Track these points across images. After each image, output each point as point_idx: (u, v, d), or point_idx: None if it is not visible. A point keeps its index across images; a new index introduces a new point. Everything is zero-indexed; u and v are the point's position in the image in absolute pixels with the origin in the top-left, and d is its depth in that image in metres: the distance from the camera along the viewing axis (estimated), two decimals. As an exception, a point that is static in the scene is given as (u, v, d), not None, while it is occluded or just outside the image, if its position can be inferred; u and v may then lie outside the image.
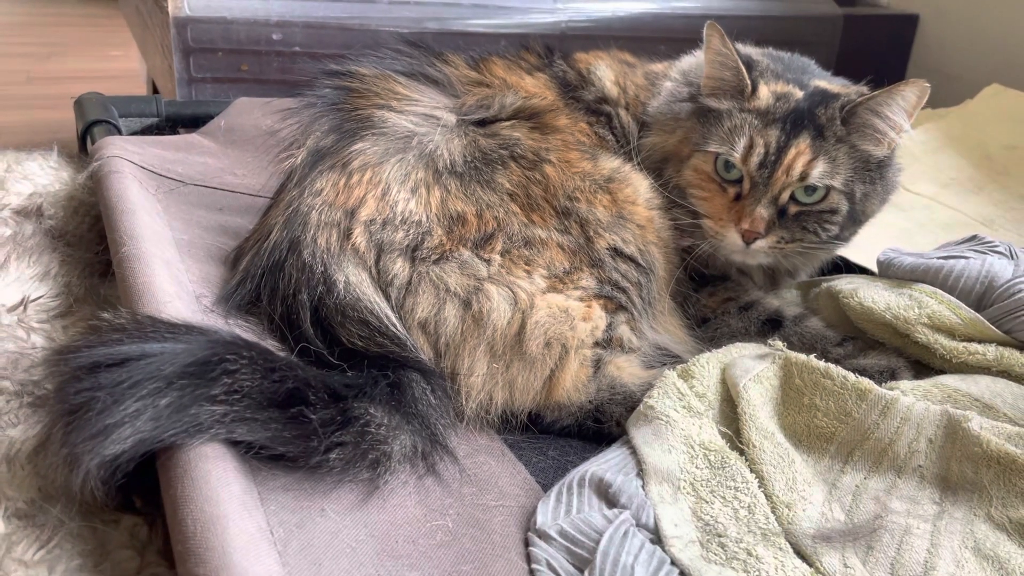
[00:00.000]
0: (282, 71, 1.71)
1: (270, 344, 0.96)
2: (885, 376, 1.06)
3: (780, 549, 0.80)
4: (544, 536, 0.79)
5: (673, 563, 0.77)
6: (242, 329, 0.97)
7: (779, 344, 1.05)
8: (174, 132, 1.60)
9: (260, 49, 1.69)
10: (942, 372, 1.08)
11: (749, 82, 1.14)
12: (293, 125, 1.12)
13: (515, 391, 0.99)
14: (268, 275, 0.99)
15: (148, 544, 0.71)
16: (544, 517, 0.82)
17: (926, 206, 1.61)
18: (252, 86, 1.70)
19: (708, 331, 1.19)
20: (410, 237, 1.00)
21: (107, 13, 4.01)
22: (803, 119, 1.12)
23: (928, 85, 1.09)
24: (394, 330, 0.97)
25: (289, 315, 0.96)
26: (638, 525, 0.79)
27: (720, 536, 0.80)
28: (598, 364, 1.03)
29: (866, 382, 0.97)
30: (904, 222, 1.55)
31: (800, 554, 0.81)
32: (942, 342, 1.07)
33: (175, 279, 0.96)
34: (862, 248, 1.30)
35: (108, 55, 3.57)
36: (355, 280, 0.97)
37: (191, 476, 0.64)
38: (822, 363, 0.99)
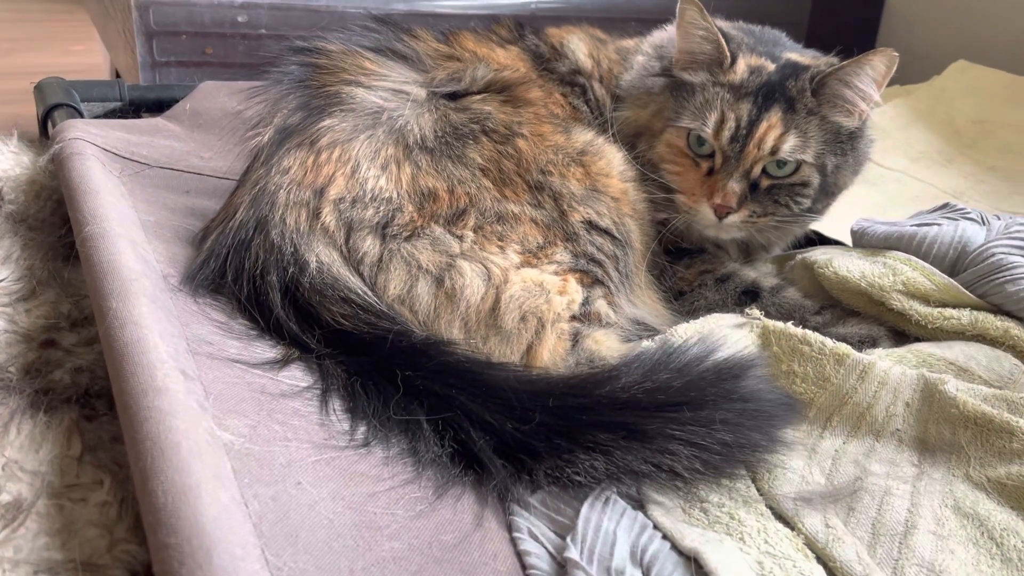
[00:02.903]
0: (248, 54, 1.68)
1: (240, 323, 0.94)
2: (866, 344, 1.06)
3: (761, 514, 0.80)
4: (525, 504, 0.78)
5: (656, 527, 0.76)
6: (212, 308, 0.95)
7: (756, 312, 1.04)
8: (138, 117, 1.56)
9: (225, 32, 1.66)
10: (918, 339, 1.08)
11: (729, 54, 1.13)
12: (259, 104, 1.10)
13: None
14: (233, 254, 0.97)
15: (118, 522, 0.69)
16: (524, 487, 0.81)
17: (897, 179, 1.62)
18: (217, 70, 1.67)
19: (685, 304, 1.18)
20: (380, 214, 0.99)
21: (69, 8, 3.93)
22: (774, 92, 1.12)
23: (896, 54, 1.09)
24: (380, 305, 0.95)
25: (258, 296, 0.94)
26: (621, 493, 0.78)
27: (703, 502, 0.80)
28: (576, 337, 1.02)
29: (843, 347, 0.97)
30: (876, 195, 1.56)
31: (782, 518, 0.81)
32: (917, 308, 1.07)
33: (141, 258, 0.93)
34: (835, 222, 1.30)
35: (70, 50, 3.50)
36: (326, 260, 0.96)
37: (160, 447, 0.62)
38: (800, 330, 0.99)
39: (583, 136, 1.15)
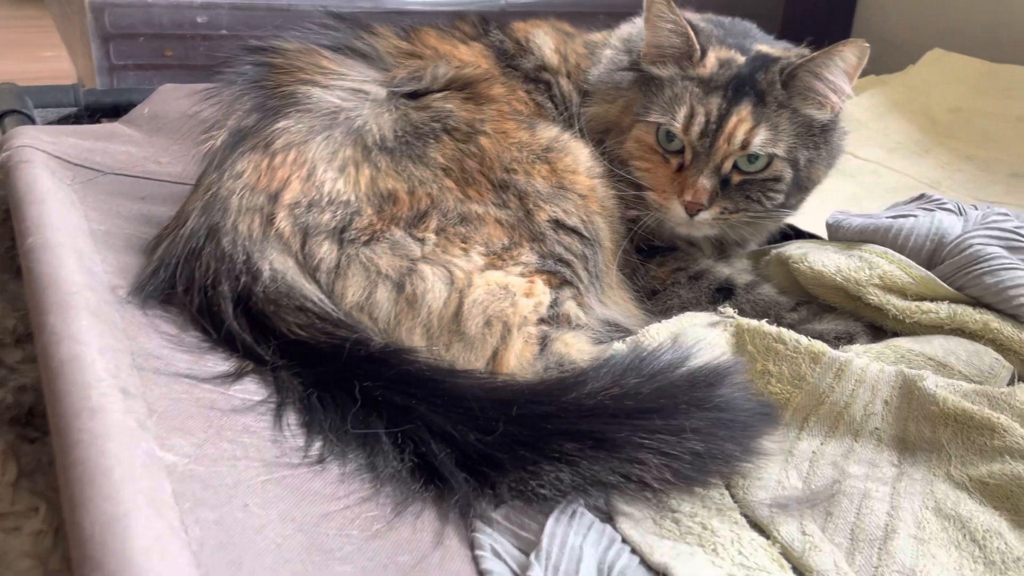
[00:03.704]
0: (209, 56, 1.63)
1: (191, 336, 0.90)
2: (843, 341, 1.03)
3: (735, 523, 0.76)
4: (488, 520, 0.75)
5: (624, 540, 0.73)
6: (162, 320, 0.91)
7: (730, 311, 1.01)
8: (96, 122, 1.52)
9: (184, 33, 1.61)
10: (896, 334, 1.05)
11: (699, 47, 1.10)
12: (213, 106, 1.06)
13: None
14: (184, 264, 0.93)
15: (52, 552, 0.65)
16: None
17: (873, 171, 1.60)
18: (178, 72, 1.62)
19: (658, 303, 1.15)
20: (338, 218, 0.95)
21: (39, 15, 3.87)
22: (744, 85, 1.09)
23: (867, 45, 1.06)
24: (337, 314, 0.91)
25: (209, 307, 0.90)
26: (588, 505, 0.75)
27: (674, 512, 0.76)
28: (544, 341, 0.99)
29: (819, 345, 0.94)
30: (852, 187, 1.53)
31: (756, 526, 0.78)
32: (894, 302, 1.04)
33: (86, 269, 0.89)
34: (811, 216, 1.27)
35: (40, 56, 3.44)
36: (281, 267, 0.92)
37: (91, 473, 0.58)
38: (774, 328, 0.96)
39: (548, 132, 1.12)
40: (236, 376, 0.85)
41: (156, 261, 0.96)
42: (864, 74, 1.10)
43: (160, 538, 0.55)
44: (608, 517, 0.76)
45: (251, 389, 0.84)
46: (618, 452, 0.74)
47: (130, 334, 0.85)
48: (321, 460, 0.77)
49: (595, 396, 0.78)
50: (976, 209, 1.15)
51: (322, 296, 0.92)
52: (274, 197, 0.95)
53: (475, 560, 0.71)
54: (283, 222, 0.94)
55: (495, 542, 0.72)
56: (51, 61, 3.33)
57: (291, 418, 0.81)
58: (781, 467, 0.86)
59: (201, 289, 0.92)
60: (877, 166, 1.61)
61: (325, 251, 0.94)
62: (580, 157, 1.11)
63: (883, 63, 2.00)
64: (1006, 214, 1.09)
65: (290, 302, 0.90)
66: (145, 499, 0.58)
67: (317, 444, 0.78)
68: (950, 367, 0.98)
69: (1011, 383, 0.97)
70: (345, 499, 0.73)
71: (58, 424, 0.65)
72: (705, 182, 1.08)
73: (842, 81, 1.09)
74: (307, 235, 0.94)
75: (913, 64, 2.03)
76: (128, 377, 0.75)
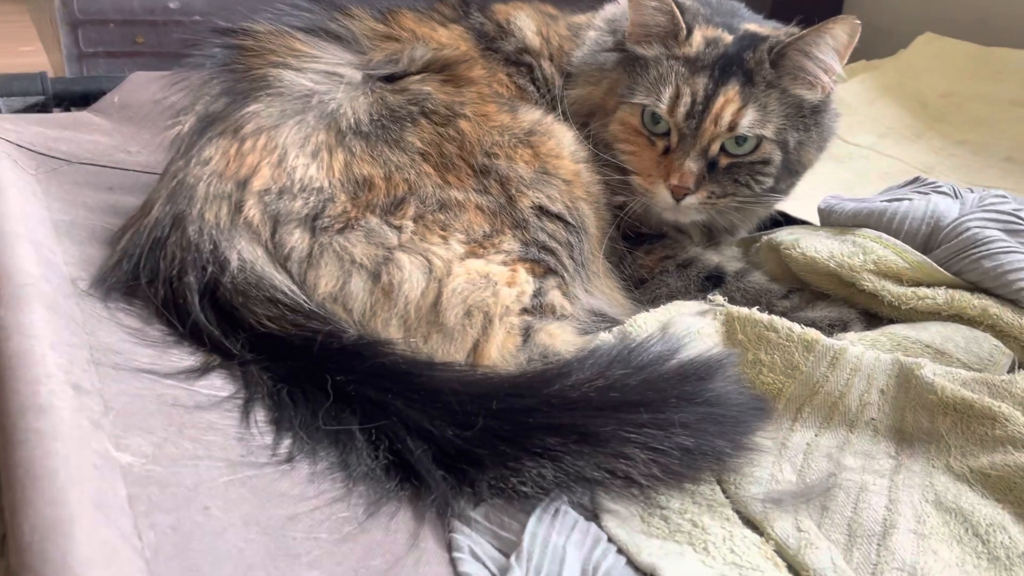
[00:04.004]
0: (182, 42, 1.57)
1: (156, 329, 0.85)
2: (836, 328, 0.99)
3: (727, 520, 0.73)
4: (467, 520, 0.71)
5: (610, 540, 0.69)
6: (125, 313, 0.86)
7: (720, 299, 0.98)
8: (65, 111, 1.47)
9: (156, 19, 1.56)
10: (891, 321, 1.02)
11: (684, 25, 1.06)
12: (181, 91, 1.01)
13: None
14: (148, 254, 0.88)
15: (-2, 561, 0.61)
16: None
17: (865, 156, 1.56)
18: (149, 59, 1.57)
19: (646, 292, 1.11)
20: (310, 206, 0.91)
21: (19, 10, 3.81)
22: (732, 65, 1.05)
23: (858, 22, 1.02)
24: (309, 305, 0.87)
25: (175, 299, 0.86)
26: (572, 503, 0.71)
27: (662, 508, 0.72)
28: (527, 332, 0.95)
29: (812, 333, 0.91)
30: (843, 173, 1.50)
31: (750, 523, 0.74)
32: (889, 288, 1.01)
33: (44, 260, 0.85)
34: (801, 202, 1.24)
35: (19, 51, 3.38)
36: (249, 257, 0.87)
37: (33, 476, 0.54)
38: (765, 316, 0.93)
39: (530, 115, 1.07)
40: (202, 371, 0.80)
41: (119, 252, 0.92)
42: (854, 59, 1.07)
43: (106, 545, 0.51)
44: (593, 515, 0.72)
45: (217, 384, 0.79)
46: (603, 447, 0.70)
47: (89, 328, 0.80)
48: (290, 459, 0.73)
49: (579, 388, 0.74)
50: (972, 192, 1.12)
51: (293, 287, 0.88)
52: (243, 184, 0.91)
53: (453, 562, 0.67)
54: (252, 210, 0.90)
55: (474, 543, 0.69)
56: (30, 55, 3.27)
57: (259, 415, 0.77)
58: (774, 460, 0.82)
59: (166, 280, 0.87)
60: (868, 151, 1.58)
61: (296, 240, 0.89)
62: (564, 141, 1.07)
63: (873, 47, 1.97)
64: (1004, 196, 1.06)
65: (259, 293, 0.86)
66: (92, 503, 0.54)
67: (286, 442, 0.74)
68: (948, 354, 0.94)
69: (1011, 370, 0.94)
70: (314, 500, 0.69)
71: (3, 422, 0.61)
72: (692, 165, 1.04)
73: (833, 60, 1.05)
74: (277, 223, 0.90)
75: (904, 48, 2.00)
76: (83, 373, 0.71)
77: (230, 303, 0.86)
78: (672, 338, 0.82)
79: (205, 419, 0.74)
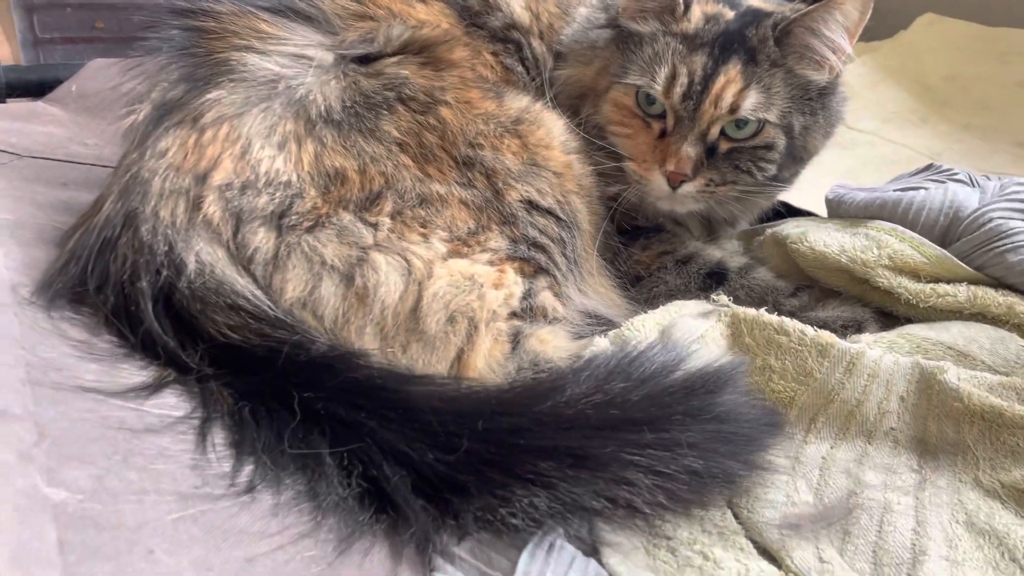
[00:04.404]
0: (145, 27, 1.48)
1: (105, 342, 0.77)
2: (850, 330, 0.92)
3: (741, 550, 0.65)
4: (450, 556, 0.63)
5: (612, 578, 0.61)
6: (70, 323, 0.78)
7: (724, 299, 0.90)
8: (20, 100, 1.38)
9: (117, 2, 1.46)
10: (908, 320, 0.95)
11: (682, 0, 0.99)
12: (136, 78, 0.93)
13: None
14: (97, 257, 0.80)
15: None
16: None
17: (869, 142, 1.50)
18: (110, 45, 1.48)
19: (643, 291, 1.04)
20: (276, 202, 0.83)
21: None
22: (733, 42, 0.97)
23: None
24: (275, 312, 0.79)
25: (126, 306, 0.78)
26: (568, 536, 0.63)
27: (669, 539, 0.65)
28: (517, 338, 0.87)
29: (827, 335, 0.83)
30: (848, 160, 1.43)
31: (766, 552, 0.67)
32: (906, 285, 0.94)
33: (-23, 267, 0.76)
34: (804, 192, 1.16)
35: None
36: (209, 259, 0.79)
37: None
38: (775, 317, 0.85)
39: (518, 102, 0.99)
40: (154, 388, 0.72)
41: (67, 254, 0.84)
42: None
43: (21, 611, 0.43)
44: (592, 549, 0.64)
45: (171, 403, 0.71)
46: (602, 472, 0.62)
47: (28, 342, 0.72)
48: (251, 489, 0.65)
49: (575, 405, 0.66)
50: (990, 180, 1.05)
51: (257, 292, 0.79)
52: (202, 178, 0.82)
53: (434, 607, 0.60)
54: (212, 207, 0.81)
55: (459, 584, 0.61)
56: None
57: (217, 437, 0.69)
58: (788, 477, 0.75)
59: (117, 286, 0.79)
60: (872, 137, 1.51)
61: (261, 239, 0.81)
62: (554, 130, 1.00)
63: (874, 29, 1.89)
64: (1027, 184, 0.98)
65: (220, 299, 0.78)
66: (10, 554, 0.46)
67: (247, 469, 0.66)
68: (972, 357, 0.87)
69: (1041, 374, 0.87)
70: (278, 537, 0.61)
71: (-89, 460, 0.52)
72: (689, 150, 0.96)
73: (842, 39, 0.98)
74: (240, 221, 0.82)
75: (904, 29, 1.93)
76: (14, 396, 0.63)
77: (187, 310, 0.78)
78: (676, 346, 0.74)
79: (155, 445, 0.66)
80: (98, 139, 1.19)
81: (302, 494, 0.65)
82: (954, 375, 0.80)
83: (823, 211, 1.11)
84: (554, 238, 0.94)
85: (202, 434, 0.69)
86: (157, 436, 0.67)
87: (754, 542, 0.67)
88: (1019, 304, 0.89)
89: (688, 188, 0.98)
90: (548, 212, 0.94)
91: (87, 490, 0.58)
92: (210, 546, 0.58)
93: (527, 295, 0.90)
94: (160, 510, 0.59)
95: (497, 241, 0.90)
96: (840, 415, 0.81)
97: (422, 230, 0.86)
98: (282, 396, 0.71)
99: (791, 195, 1.17)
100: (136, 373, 0.74)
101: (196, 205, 0.81)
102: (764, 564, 0.64)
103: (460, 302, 0.84)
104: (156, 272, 0.78)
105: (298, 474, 0.66)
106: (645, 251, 1.06)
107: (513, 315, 0.88)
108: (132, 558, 0.54)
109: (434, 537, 0.63)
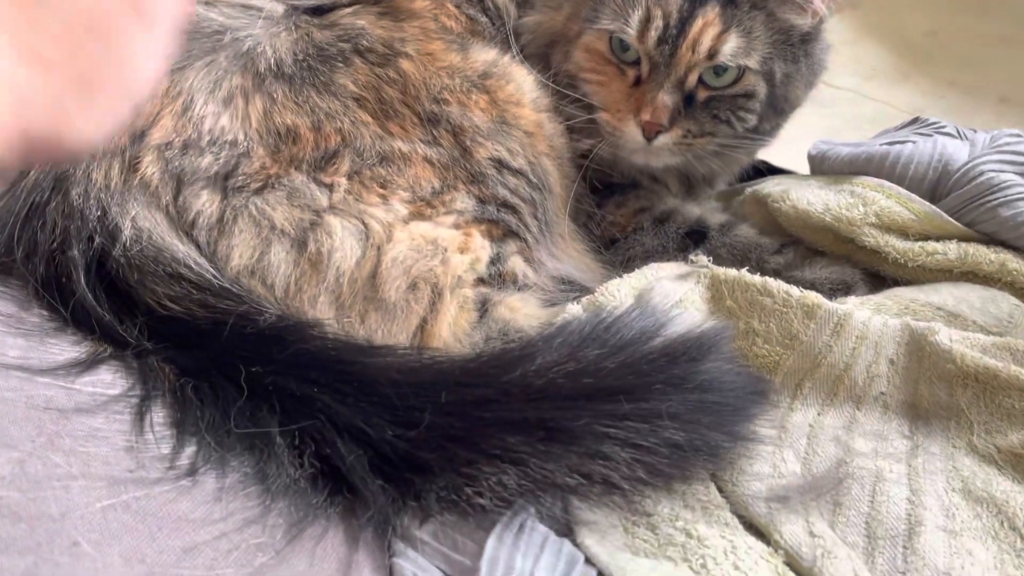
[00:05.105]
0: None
1: (34, 316, 0.71)
2: (839, 292, 0.87)
3: (727, 525, 0.61)
4: (412, 540, 0.58)
5: (588, 561, 0.56)
6: (-3, 297, 0.71)
7: (703, 259, 0.85)
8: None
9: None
10: (896, 281, 0.90)
11: None
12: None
13: None
14: (24, 224, 0.73)
15: None
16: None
17: (850, 100, 1.45)
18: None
19: (619, 253, 0.98)
20: (221, 162, 0.76)
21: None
22: None
23: (856, -62, 0.89)
24: (220, 281, 0.73)
25: (57, 277, 0.71)
26: (540, 515, 0.58)
27: (649, 516, 0.60)
28: (484, 306, 0.82)
29: (813, 296, 0.79)
30: (829, 119, 1.38)
31: (752, 527, 0.62)
32: (894, 244, 0.89)
33: None
34: (785, 151, 1.11)
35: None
36: (146, 224, 0.73)
37: None
38: (758, 278, 0.80)
39: (484, 55, 0.93)
40: (87, 365, 0.66)
41: (-9, 222, 0.77)
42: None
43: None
44: (567, 529, 0.59)
45: (106, 380, 0.65)
46: (576, 445, 0.57)
47: (-55, 317, 0.66)
48: (192, 472, 0.59)
49: (545, 374, 0.61)
50: (978, 133, 1.00)
51: (200, 259, 0.73)
52: (139, 137, 0.76)
53: (394, 596, 0.55)
54: (150, 168, 0.75)
55: (420, 570, 0.56)
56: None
57: (157, 416, 0.63)
58: (775, 446, 0.71)
59: (46, 254, 0.72)
60: (854, 95, 1.46)
61: (204, 203, 0.75)
62: (524, 86, 0.93)
63: (852, -15, 1.84)
64: (1019, 135, 0.94)
65: (159, 268, 0.72)
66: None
67: (189, 450, 0.61)
68: (963, 317, 0.83)
69: (1034, 332, 0.83)
70: (221, 524, 0.56)
71: None
72: (665, 99, 0.90)
73: (826, -23, 0.92)
74: (181, 183, 0.75)
75: (883, -15, 1.88)
76: (-76, 375, 0.56)
77: (124, 280, 0.71)
78: (656, 311, 0.69)
79: (86, 425, 0.60)
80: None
81: (249, 476, 0.60)
82: (946, 336, 0.76)
83: (805, 171, 1.06)
84: (525, 199, 0.89)
85: (140, 413, 0.63)
86: (89, 416, 0.61)
87: (740, 516, 0.62)
88: (1011, 261, 0.85)
89: (664, 139, 0.92)
90: (519, 172, 0.89)
91: (5, 476, 0.52)
92: (143, 535, 0.52)
93: (495, 260, 0.84)
94: (89, 497, 0.53)
95: (463, 201, 0.84)
96: (827, 380, 0.77)
97: (381, 191, 0.80)
98: (228, 371, 0.65)
99: (772, 154, 1.12)
100: (68, 349, 0.67)
101: (132, 166, 0.75)
102: (751, 540, 0.60)
103: (422, 267, 0.78)
104: (88, 239, 0.72)
105: (245, 455, 0.61)
106: (620, 209, 1.00)
107: (480, 281, 0.82)
108: (53, 550, 0.48)
109: (394, 520, 0.58)
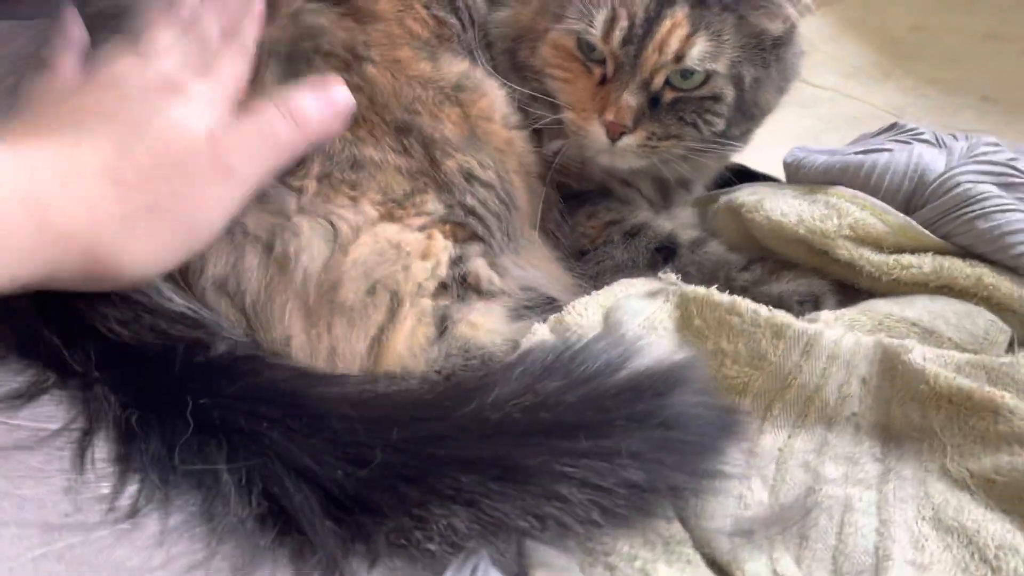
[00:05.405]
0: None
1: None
2: (807, 305, 0.85)
3: (688, 563, 0.59)
4: None
5: (543, 605, 0.55)
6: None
7: (671, 277, 0.83)
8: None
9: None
10: (871, 295, 0.88)
11: None
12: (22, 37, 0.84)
13: (337, 359, 0.75)
14: None
15: None
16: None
17: (830, 99, 1.43)
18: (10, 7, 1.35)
19: (589, 265, 0.96)
20: None
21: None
22: None
23: (832, -59, 0.87)
24: (172, 305, 0.71)
25: (3, 299, 0.69)
26: (494, 559, 0.56)
27: (607, 555, 0.58)
28: (444, 323, 0.79)
29: (782, 315, 0.77)
30: (808, 119, 1.36)
31: (715, 564, 0.60)
32: (868, 257, 0.87)
33: None
34: (763, 154, 1.09)
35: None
36: None
37: None
38: (727, 297, 0.78)
39: (456, 66, 0.90)
40: (29, 396, 0.64)
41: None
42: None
43: None
44: (522, 571, 0.57)
45: (47, 413, 0.63)
46: (530, 485, 0.55)
47: None
48: (133, 513, 0.57)
49: (502, 407, 0.59)
50: (956, 139, 0.98)
51: (159, 282, 0.71)
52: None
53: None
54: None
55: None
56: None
57: (100, 452, 0.61)
58: (741, 472, 0.69)
59: None
60: (834, 94, 1.44)
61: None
62: (496, 102, 0.91)
63: (834, -21, 1.82)
64: (996, 144, 0.91)
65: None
66: None
67: (130, 489, 0.58)
68: (938, 333, 0.81)
69: (1010, 350, 0.81)
70: (161, 570, 0.53)
71: None
72: (630, 99, 0.88)
73: (800, -17, 0.90)
74: None
75: (867, -22, 1.85)
76: None
77: (72, 303, 0.69)
78: (624, 339, 0.66)
79: (23, 465, 0.58)
80: None
81: (195, 516, 0.57)
82: (919, 354, 0.74)
83: (783, 175, 1.04)
84: (492, 211, 0.87)
85: (81, 449, 0.60)
86: (28, 454, 0.59)
87: (702, 554, 0.61)
88: (988, 275, 0.83)
89: (628, 141, 0.90)
90: (488, 185, 0.87)
91: (-70, 527, 0.50)
92: (77, 587, 0.50)
93: (457, 261, 0.82)
94: (19, 546, 0.51)
95: (432, 204, 0.82)
96: (798, 401, 0.75)
97: (351, 192, 0.78)
98: (176, 403, 0.62)
99: (749, 157, 1.10)
100: (10, 379, 0.65)
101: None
102: (713, 579, 0.58)
103: (383, 272, 0.76)
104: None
105: (191, 493, 0.59)
106: (591, 220, 0.98)
107: (442, 287, 0.80)
108: (-24, 610, 0.46)
109: (343, 563, 0.56)
